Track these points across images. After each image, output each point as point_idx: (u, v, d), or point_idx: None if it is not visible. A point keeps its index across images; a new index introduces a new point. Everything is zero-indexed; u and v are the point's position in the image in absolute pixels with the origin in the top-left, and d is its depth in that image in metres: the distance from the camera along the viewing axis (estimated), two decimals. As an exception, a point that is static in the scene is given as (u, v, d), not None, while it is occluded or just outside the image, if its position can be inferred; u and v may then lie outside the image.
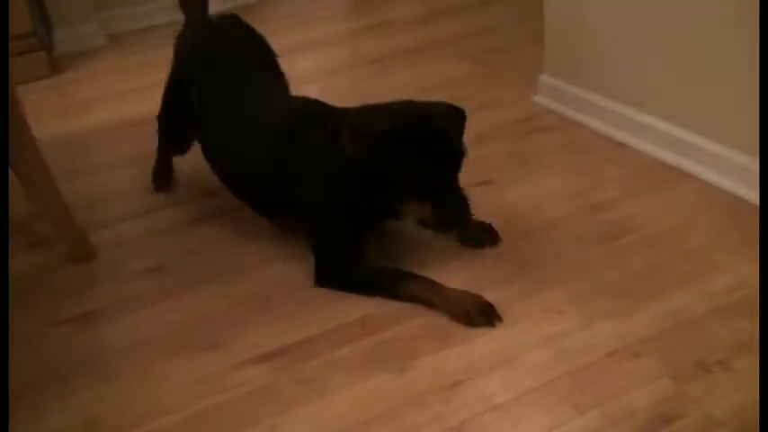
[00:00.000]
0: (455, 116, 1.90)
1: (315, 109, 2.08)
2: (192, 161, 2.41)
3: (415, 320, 1.81)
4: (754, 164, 2.07)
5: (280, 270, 2.04)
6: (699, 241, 2.00)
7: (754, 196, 2.09)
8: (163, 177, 2.51)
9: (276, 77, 2.30)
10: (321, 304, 1.90)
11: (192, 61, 2.31)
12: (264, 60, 2.32)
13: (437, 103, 1.91)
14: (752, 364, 1.60)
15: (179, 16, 2.52)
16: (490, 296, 1.81)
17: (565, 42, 2.67)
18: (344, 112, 1.99)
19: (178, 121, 2.35)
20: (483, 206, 1.99)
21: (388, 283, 1.90)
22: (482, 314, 1.78)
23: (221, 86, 2.22)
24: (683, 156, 2.29)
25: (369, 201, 1.93)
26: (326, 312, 1.87)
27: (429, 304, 1.83)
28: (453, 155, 1.83)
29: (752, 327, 1.69)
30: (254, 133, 2.11)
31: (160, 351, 1.79)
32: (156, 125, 2.45)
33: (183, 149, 2.43)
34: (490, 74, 3.10)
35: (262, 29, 2.39)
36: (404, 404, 1.58)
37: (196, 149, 2.33)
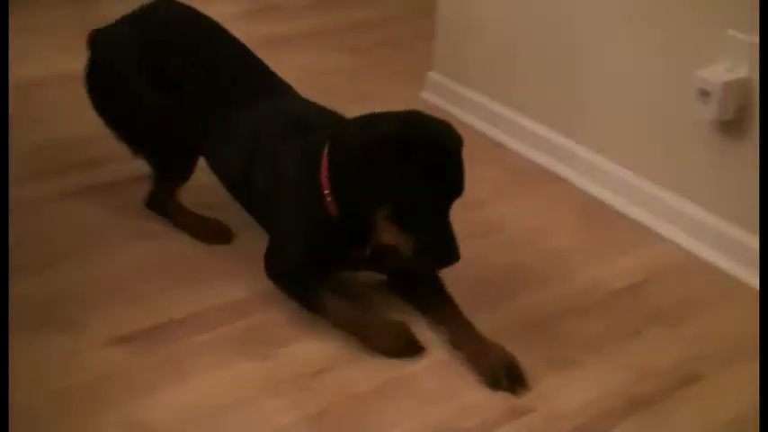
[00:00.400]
0: (458, 137, 1.65)
1: (303, 113, 1.86)
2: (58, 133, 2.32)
3: (282, 307, 1.80)
4: (620, 171, 2.19)
5: (146, 250, 2.00)
6: (561, 242, 2.09)
7: (615, 201, 2.21)
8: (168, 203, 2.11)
9: (262, 69, 2.02)
10: (187, 287, 1.87)
11: (156, 58, 1.95)
12: (239, 48, 2.04)
13: (437, 119, 1.67)
14: (600, 362, 1.69)
15: None
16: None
17: (454, 40, 2.71)
18: (338, 118, 1.82)
19: (174, 138, 1.99)
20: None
21: (313, 299, 1.75)
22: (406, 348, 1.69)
23: (206, 80, 1.94)
24: (556, 159, 2.38)
25: (344, 221, 1.70)
26: (192, 296, 1.84)
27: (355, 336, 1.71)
28: (459, 178, 1.59)
29: (603, 327, 1.78)
30: (251, 123, 1.87)
31: (14, 327, 1.71)
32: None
33: (189, 171, 2.06)
34: (378, 67, 3.11)
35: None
36: (263, 391, 1.58)
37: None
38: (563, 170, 2.36)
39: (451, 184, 1.58)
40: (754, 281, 1.89)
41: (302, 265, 1.78)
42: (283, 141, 1.79)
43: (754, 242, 1.89)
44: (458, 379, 1.63)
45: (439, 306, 1.76)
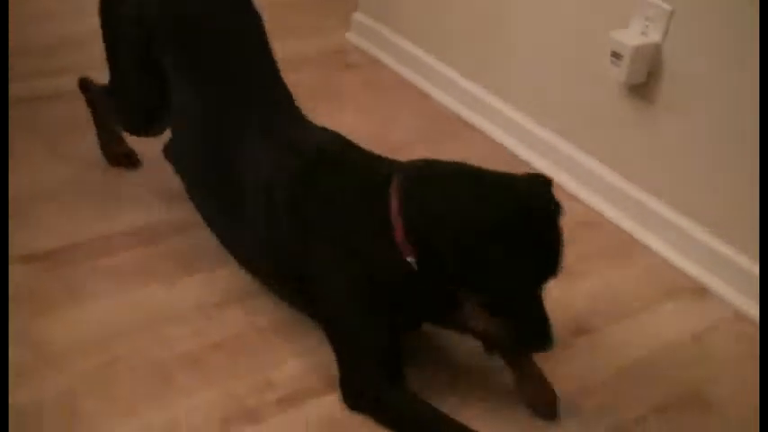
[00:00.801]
0: (554, 200, 1.40)
1: (348, 153, 1.55)
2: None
3: (190, 236, 1.79)
4: (536, 126, 2.24)
5: (60, 173, 1.96)
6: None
7: (528, 155, 2.26)
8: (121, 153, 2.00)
9: (277, 77, 1.73)
10: (95, 212, 1.84)
11: (165, 16, 1.68)
12: (262, 42, 1.75)
13: (527, 178, 1.41)
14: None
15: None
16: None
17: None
18: (392, 166, 1.48)
19: (149, 91, 1.74)
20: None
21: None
22: None
23: (208, 73, 1.67)
24: (475, 111, 2.42)
25: (418, 301, 1.48)
26: (99, 221, 1.82)
27: None
28: (556, 258, 1.36)
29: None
30: (255, 168, 1.56)
31: None
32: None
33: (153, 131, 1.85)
34: (306, 3, 3.08)
35: None
36: (165, 317, 1.59)
37: None
38: (479, 121, 2.40)
39: (555, 265, 1.36)
40: (652, 240, 1.99)
41: (392, 359, 1.45)
42: (328, 189, 1.49)
43: (652, 203, 1.98)
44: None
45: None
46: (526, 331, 1.38)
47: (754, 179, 1.73)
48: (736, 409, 1.55)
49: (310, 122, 1.67)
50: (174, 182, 1.78)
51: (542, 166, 2.20)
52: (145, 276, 1.69)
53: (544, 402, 1.48)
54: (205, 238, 1.75)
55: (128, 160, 2.01)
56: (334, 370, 1.49)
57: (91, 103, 1.97)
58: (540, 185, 1.39)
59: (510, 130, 2.32)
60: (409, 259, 1.38)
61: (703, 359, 1.67)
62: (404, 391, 1.44)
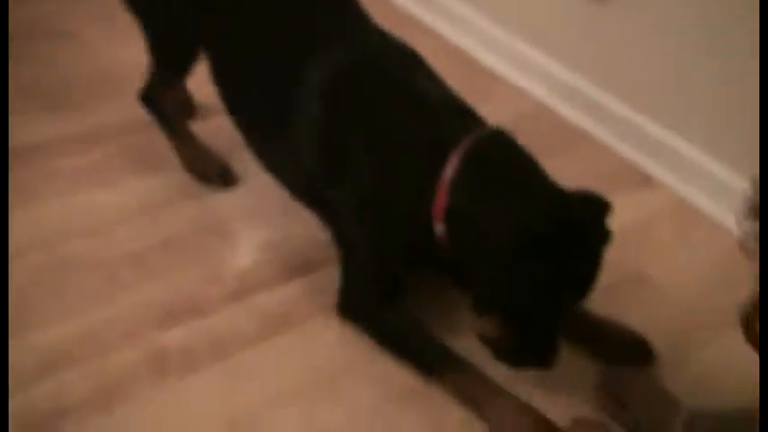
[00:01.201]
0: (606, 228, 1.30)
1: (420, 83, 1.43)
2: None
3: (140, 138, 1.79)
4: (491, 26, 2.22)
5: (14, 74, 1.92)
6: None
7: (484, 56, 2.26)
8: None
9: None
10: (48, 113, 1.84)
11: None
12: None
13: (589, 197, 1.30)
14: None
15: None
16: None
17: None
18: (465, 121, 1.38)
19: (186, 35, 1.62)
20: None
21: (422, 354, 1.39)
22: None
23: None
24: (430, 11, 2.40)
25: (428, 266, 1.43)
26: (51, 122, 1.81)
27: (471, 406, 1.34)
28: (588, 288, 1.28)
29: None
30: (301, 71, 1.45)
31: None
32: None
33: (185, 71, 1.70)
34: None
35: None
36: (114, 219, 1.61)
37: None
38: (434, 21, 2.38)
39: (584, 293, 1.28)
40: (599, 132, 2.01)
41: (391, 285, 1.44)
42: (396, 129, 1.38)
43: (600, 96, 1.99)
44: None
45: None
46: (529, 348, 1.31)
47: (700, 70, 1.74)
48: (673, 287, 1.60)
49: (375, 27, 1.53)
50: (128, 79, 1.76)
51: (492, 62, 2.20)
52: (97, 177, 1.70)
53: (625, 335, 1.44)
54: (157, 139, 1.75)
55: (222, 179, 1.75)
56: (282, 264, 1.53)
57: (158, 112, 1.75)
58: (597, 209, 1.29)
59: (466, 30, 2.30)
60: (438, 228, 1.31)
61: (646, 243, 1.71)
62: (397, 311, 1.43)
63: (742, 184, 1.67)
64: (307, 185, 1.52)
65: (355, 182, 1.39)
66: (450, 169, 1.29)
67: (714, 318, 1.49)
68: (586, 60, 2.02)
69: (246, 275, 1.53)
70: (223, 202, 1.69)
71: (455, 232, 1.29)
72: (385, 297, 1.44)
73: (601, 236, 1.27)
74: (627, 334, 1.43)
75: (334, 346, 1.42)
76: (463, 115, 1.40)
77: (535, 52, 2.13)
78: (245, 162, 1.69)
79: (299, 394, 1.33)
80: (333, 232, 1.50)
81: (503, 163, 1.31)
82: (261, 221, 1.64)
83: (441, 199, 1.29)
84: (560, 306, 1.28)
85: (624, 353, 1.41)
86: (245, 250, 1.61)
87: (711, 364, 1.43)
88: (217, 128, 1.78)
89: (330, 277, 1.51)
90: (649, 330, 1.44)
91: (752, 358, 1.38)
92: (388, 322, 1.43)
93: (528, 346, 1.30)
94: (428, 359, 1.38)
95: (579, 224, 1.24)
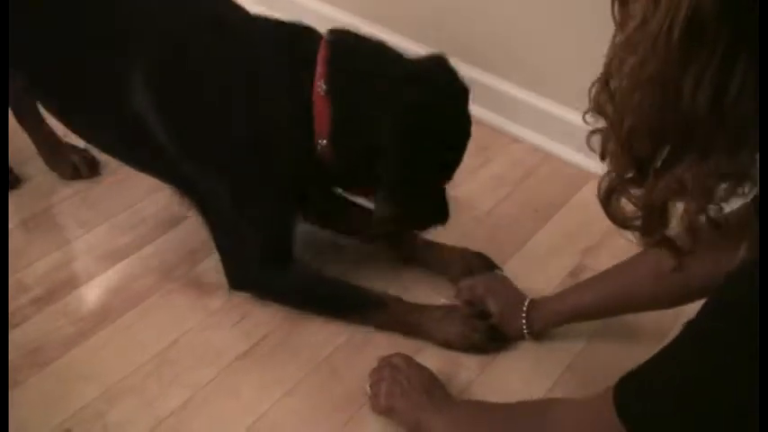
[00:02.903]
0: (463, 83, 1.34)
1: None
2: None
3: None
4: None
5: None
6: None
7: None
8: None
9: None
10: None
11: None
12: None
13: (431, 60, 1.33)
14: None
15: None
16: None
17: None
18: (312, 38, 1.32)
19: None
20: None
21: (340, 302, 1.41)
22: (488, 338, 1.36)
23: None
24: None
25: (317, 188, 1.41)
26: None
27: (403, 331, 1.38)
28: (465, 146, 1.36)
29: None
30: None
31: None
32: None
33: None
34: None
35: None
36: None
37: None
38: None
39: (464, 144, 1.35)
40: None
41: (284, 241, 1.38)
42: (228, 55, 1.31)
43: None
44: (107, 202, 1.63)
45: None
46: (426, 214, 1.39)
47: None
48: (480, 204, 1.68)
49: None
50: None
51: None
52: None
53: (466, 256, 1.50)
54: None
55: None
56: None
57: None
58: (448, 69, 1.32)
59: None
60: (320, 143, 1.28)
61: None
62: (291, 267, 1.39)
63: (540, 102, 1.79)
64: (166, 165, 1.38)
65: (215, 135, 1.31)
66: (319, 80, 1.26)
67: (520, 228, 1.61)
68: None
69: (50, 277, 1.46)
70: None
71: (345, 139, 1.28)
72: (279, 254, 1.38)
73: (463, 92, 1.33)
74: (466, 252, 1.51)
75: (160, 329, 1.38)
76: (303, 31, 1.34)
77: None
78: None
79: (134, 387, 1.28)
80: (202, 208, 1.40)
81: (364, 59, 1.30)
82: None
83: (321, 112, 1.26)
84: (447, 168, 1.35)
85: (471, 268, 1.48)
86: (47, 251, 1.52)
87: (518, 267, 1.52)
88: None
89: (141, 264, 1.47)
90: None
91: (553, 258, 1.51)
92: (291, 281, 1.40)
93: (426, 215, 1.40)
94: (346, 305, 1.40)
95: (445, 87, 1.31)
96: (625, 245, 1.53)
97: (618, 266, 1.24)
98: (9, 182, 1.64)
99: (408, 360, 1.26)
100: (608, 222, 1.58)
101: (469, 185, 1.70)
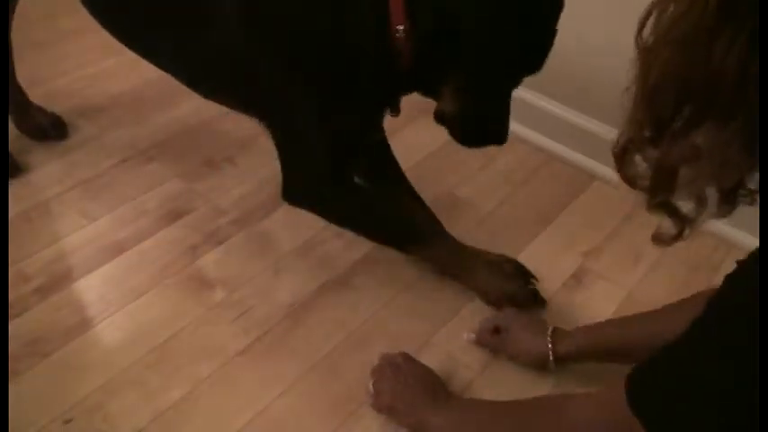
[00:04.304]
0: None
1: None
2: None
3: None
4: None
5: None
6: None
7: None
8: None
9: None
10: None
11: None
12: None
13: None
14: (253, 159, 1.75)
15: None
16: None
17: None
18: None
19: None
20: None
21: (391, 227, 1.40)
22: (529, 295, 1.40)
23: None
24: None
25: (390, 83, 1.28)
26: None
27: (446, 271, 1.43)
28: (544, 55, 1.24)
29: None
30: None
31: None
32: None
33: None
34: None
35: None
36: None
37: None
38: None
39: (540, 62, 1.25)
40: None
41: (344, 154, 1.33)
42: None
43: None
44: (109, 193, 1.63)
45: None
46: (488, 124, 1.31)
47: None
48: (482, 205, 1.68)
49: None
50: None
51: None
52: None
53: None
54: None
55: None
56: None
57: None
58: None
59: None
60: (399, 30, 1.18)
61: (454, 166, 1.77)
62: (349, 184, 1.37)
63: (544, 103, 1.81)
64: (231, 71, 1.32)
65: (287, 23, 1.22)
66: None
67: (522, 230, 1.61)
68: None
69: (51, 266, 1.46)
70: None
71: (422, 20, 1.17)
72: (340, 171, 1.34)
73: (555, 4, 1.22)
74: (501, 258, 1.47)
75: (160, 322, 1.37)
76: None
77: None
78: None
79: (134, 379, 1.28)
80: (265, 116, 1.35)
81: None
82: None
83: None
84: (517, 78, 1.27)
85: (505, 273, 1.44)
86: (48, 242, 1.52)
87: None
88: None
89: (142, 257, 1.47)
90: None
91: (558, 255, 1.51)
92: (347, 198, 1.37)
93: (484, 122, 1.30)
94: (398, 234, 1.40)
95: None
96: (627, 248, 1.57)
97: (654, 312, 1.20)
98: (11, 169, 1.65)
99: (409, 359, 1.26)
100: (610, 225, 1.60)
101: (471, 186, 1.71)
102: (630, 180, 0.87)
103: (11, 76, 1.68)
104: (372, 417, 1.23)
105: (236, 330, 1.37)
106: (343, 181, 1.36)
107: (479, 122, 1.30)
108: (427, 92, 1.30)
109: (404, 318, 1.40)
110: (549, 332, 1.27)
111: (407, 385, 1.20)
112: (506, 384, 1.30)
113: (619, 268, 1.52)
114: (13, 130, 1.73)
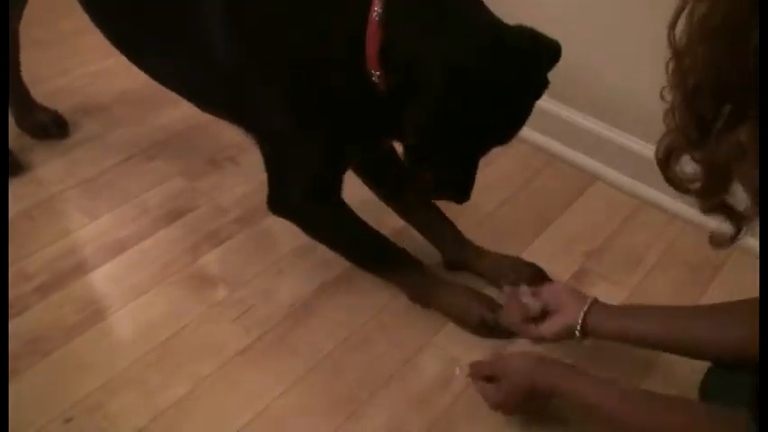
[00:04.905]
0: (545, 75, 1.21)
1: None
2: None
3: None
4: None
5: None
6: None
7: None
8: None
9: None
10: None
11: None
12: None
13: (541, 39, 1.18)
14: (255, 158, 1.74)
15: None
16: None
17: None
18: None
19: None
20: None
21: (369, 246, 1.41)
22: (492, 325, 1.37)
23: None
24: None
25: (366, 122, 1.29)
26: None
27: (420, 299, 1.43)
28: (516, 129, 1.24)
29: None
30: None
31: None
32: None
33: None
34: None
35: None
36: None
37: None
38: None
39: (510, 135, 1.24)
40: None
41: (335, 174, 1.35)
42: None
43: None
44: (111, 191, 1.63)
45: (434, 223, 1.51)
46: (450, 184, 1.30)
47: None
48: (483, 203, 1.68)
49: None
50: None
51: None
52: None
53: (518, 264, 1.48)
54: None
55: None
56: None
57: None
58: (538, 51, 1.18)
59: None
60: (374, 74, 1.19)
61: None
62: (333, 202, 1.37)
63: (547, 104, 1.80)
64: (226, 91, 1.33)
65: (276, 49, 1.25)
66: (377, 5, 1.16)
67: (523, 230, 1.61)
68: None
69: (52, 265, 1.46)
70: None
71: (393, 66, 1.17)
72: (327, 188, 1.36)
73: (536, 81, 1.19)
74: (519, 261, 1.49)
75: (161, 321, 1.38)
76: None
77: None
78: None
79: (135, 378, 1.28)
80: (255, 130, 1.37)
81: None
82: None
83: (373, 40, 1.17)
84: (484, 147, 1.26)
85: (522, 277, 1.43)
86: (48, 243, 1.52)
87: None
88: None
89: (143, 256, 1.47)
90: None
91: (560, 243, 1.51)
92: (332, 216, 1.39)
93: (449, 182, 1.29)
94: (377, 254, 1.41)
95: (515, 65, 1.15)
96: (628, 249, 1.57)
97: (697, 312, 1.17)
98: (13, 167, 1.65)
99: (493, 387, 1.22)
100: (612, 226, 1.60)
101: (473, 186, 1.71)
102: (678, 184, 0.85)
103: (16, 73, 1.69)
104: (373, 417, 1.24)
105: (238, 329, 1.37)
106: (328, 198, 1.37)
107: (439, 181, 1.30)
108: (399, 139, 1.31)
109: (404, 318, 1.40)
110: (589, 301, 1.22)
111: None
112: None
113: (620, 269, 1.52)
114: (14, 128, 1.74)
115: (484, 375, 1.24)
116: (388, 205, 1.51)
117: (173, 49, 1.37)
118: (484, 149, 1.26)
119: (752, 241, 1.49)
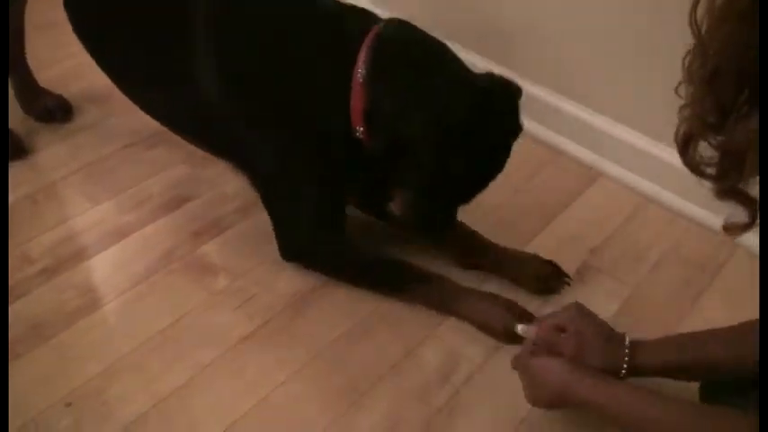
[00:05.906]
0: (518, 119, 1.30)
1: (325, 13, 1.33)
2: None
3: None
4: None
5: None
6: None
7: None
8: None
9: None
10: None
11: None
12: None
13: (502, 84, 1.28)
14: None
15: None
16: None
17: None
18: (365, 20, 1.30)
19: None
20: None
21: (384, 275, 1.42)
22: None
23: None
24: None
25: (354, 172, 1.38)
26: None
27: (443, 310, 1.40)
28: (495, 171, 1.33)
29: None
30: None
31: None
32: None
33: None
34: None
35: None
36: None
37: None
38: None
39: (491, 178, 1.33)
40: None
41: (331, 214, 1.40)
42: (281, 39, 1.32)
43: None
44: (113, 178, 1.63)
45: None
46: (430, 223, 1.39)
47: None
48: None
49: None
50: None
51: None
52: None
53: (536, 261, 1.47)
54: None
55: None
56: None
57: None
58: (510, 96, 1.27)
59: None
60: (358, 129, 1.27)
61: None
62: (341, 240, 1.41)
63: (551, 98, 1.81)
64: (217, 133, 1.42)
65: (262, 95, 1.31)
66: (360, 66, 1.24)
67: (524, 226, 1.61)
68: None
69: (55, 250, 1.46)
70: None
71: (375, 125, 1.25)
72: (329, 227, 1.40)
73: (512, 126, 1.28)
74: (537, 258, 1.48)
75: (162, 308, 1.38)
76: (360, 14, 1.33)
77: None
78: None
79: (135, 364, 1.28)
80: (252, 177, 1.45)
81: (413, 51, 1.26)
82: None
83: (357, 99, 1.25)
84: (467, 193, 1.34)
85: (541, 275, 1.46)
86: (51, 226, 1.52)
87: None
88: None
89: (145, 242, 1.47)
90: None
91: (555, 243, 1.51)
92: (340, 252, 1.43)
93: (430, 221, 1.37)
94: (391, 278, 1.41)
95: (493, 114, 1.24)
96: (631, 245, 1.57)
97: (732, 333, 1.10)
98: (17, 151, 1.65)
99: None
100: (615, 222, 1.59)
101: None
102: (696, 168, 0.85)
103: (21, 57, 1.68)
104: (373, 407, 1.24)
105: (239, 317, 1.37)
106: (331, 236, 1.42)
107: (422, 224, 1.39)
108: (384, 188, 1.37)
109: (407, 309, 1.40)
110: (627, 343, 1.16)
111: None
112: (507, 379, 1.29)
113: (622, 265, 1.51)
114: (19, 112, 1.73)
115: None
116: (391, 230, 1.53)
117: (170, 92, 1.44)
118: (471, 198, 1.35)
119: (752, 239, 1.49)
